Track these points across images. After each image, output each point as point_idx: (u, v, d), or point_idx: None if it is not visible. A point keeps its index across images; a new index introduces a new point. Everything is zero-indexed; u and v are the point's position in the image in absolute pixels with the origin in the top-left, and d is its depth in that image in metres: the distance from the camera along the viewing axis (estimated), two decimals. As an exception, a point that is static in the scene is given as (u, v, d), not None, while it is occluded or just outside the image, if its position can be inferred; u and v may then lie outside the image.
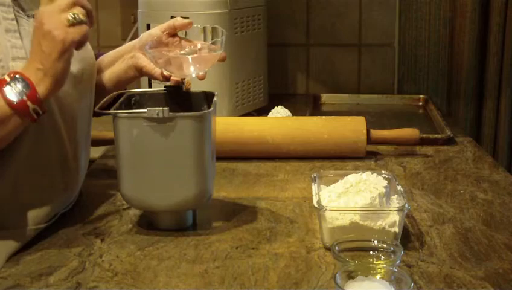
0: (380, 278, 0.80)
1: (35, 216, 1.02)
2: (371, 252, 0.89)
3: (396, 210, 0.96)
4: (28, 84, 0.91)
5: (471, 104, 1.97)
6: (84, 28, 0.93)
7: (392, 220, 0.95)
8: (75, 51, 0.95)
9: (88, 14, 0.94)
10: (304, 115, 1.70)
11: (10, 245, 0.98)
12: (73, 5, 0.92)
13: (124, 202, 1.07)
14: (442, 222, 1.08)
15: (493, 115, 1.95)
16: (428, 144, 1.50)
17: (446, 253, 0.96)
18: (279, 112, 1.61)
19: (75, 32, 0.92)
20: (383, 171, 1.07)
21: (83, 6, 0.93)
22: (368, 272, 0.81)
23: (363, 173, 1.03)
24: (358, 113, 1.50)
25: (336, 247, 0.87)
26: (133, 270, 0.92)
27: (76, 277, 0.90)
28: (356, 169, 1.29)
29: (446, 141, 1.53)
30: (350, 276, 0.80)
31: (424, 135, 1.49)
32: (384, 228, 0.95)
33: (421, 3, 1.98)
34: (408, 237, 1.01)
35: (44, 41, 0.91)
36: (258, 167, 1.37)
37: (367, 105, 1.96)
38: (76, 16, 0.91)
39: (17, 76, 0.91)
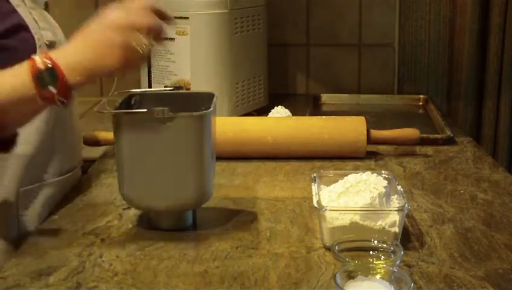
0: (380, 278, 0.80)
1: None
2: (371, 252, 0.89)
3: (396, 210, 0.96)
4: (57, 76, 0.87)
5: (471, 104, 1.97)
6: (140, 63, 0.92)
7: (392, 220, 0.95)
8: None
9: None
10: (304, 115, 1.70)
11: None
12: (157, 29, 0.90)
13: (124, 202, 1.07)
14: (442, 222, 1.08)
15: (493, 115, 1.95)
16: (428, 144, 1.50)
17: (446, 253, 0.96)
18: (279, 112, 1.61)
19: (136, 61, 0.90)
20: (383, 171, 1.07)
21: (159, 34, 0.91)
22: (368, 272, 0.81)
23: (363, 173, 1.03)
24: (358, 113, 1.50)
25: (336, 247, 0.87)
26: (133, 270, 0.92)
27: (76, 276, 0.90)
28: (356, 169, 1.29)
29: (446, 141, 1.52)
30: (350, 276, 0.80)
31: (424, 135, 1.49)
32: (384, 228, 0.95)
33: (421, 3, 1.98)
34: (408, 237, 1.01)
35: (112, 50, 0.87)
36: (258, 167, 1.37)
37: (367, 105, 1.96)
38: (149, 47, 0.88)
39: (49, 65, 0.88)
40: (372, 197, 0.97)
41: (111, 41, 0.88)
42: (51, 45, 1.08)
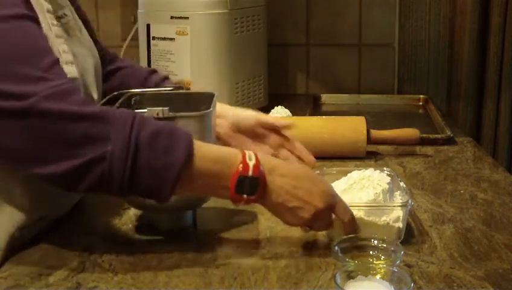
0: (380, 278, 0.80)
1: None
2: (371, 252, 0.89)
3: (400, 206, 0.97)
4: (258, 189, 0.90)
5: (471, 104, 1.97)
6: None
7: (396, 215, 0.96)
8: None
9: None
10: (304, 115, 1.70)
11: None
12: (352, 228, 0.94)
13: (124, 202, 1.07)
14: (442, 222, 1.08)
15: (493, 115, 1.95)
16: (428, 144, 1.50)
17: (446, 253, 0.96)
18: (279, 112, 1.61)
19: (317, 227, 0.95)
20: (385, 168, 1.08)
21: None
22: (367, 272, 0.81)
23: (366, 169, 1.03)
24: (358, 113, 1.50)
25: (336, 247, 0.87)
26: (133, 270, 0.92)
27: (76, 277, 0.90)
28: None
29: (446, 141, 1.52)
30: (350, 276, 0.80)
31: (424, 135, 1.49)
32: (388, 223, 0.96)
33: (421, 3, 1.98)
34: (409, 237, 1.01)
35: (298, 214, 0.92)
36: (258, 167, 1.36)
37: (367, 105, 1.96)
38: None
39: (254, 177, 0.89)
40: (376, 193, 0.97)
41: (305, 211, 0.92)
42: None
